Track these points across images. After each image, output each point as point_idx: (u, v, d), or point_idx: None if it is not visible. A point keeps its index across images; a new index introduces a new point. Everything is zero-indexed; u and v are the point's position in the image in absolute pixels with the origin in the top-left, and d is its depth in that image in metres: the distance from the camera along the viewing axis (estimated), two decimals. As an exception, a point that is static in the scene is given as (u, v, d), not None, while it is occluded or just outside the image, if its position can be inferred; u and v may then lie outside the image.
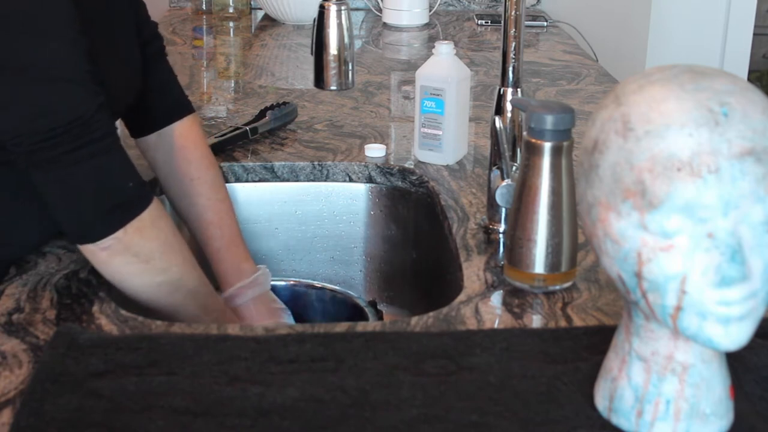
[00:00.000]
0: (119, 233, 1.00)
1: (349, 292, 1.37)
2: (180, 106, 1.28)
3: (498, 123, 1.20)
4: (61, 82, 0.97)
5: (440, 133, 1.45)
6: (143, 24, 1.23)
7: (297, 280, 1.41)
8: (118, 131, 1.05)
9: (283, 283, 1.37)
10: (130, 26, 1.18)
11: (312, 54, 1.33)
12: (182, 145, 1.26)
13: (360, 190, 1.51)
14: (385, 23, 2.62)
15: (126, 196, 1.02)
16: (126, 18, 1.17)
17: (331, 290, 1.37)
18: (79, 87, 0.98)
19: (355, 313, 1.29)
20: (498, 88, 1.23)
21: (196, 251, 1.32)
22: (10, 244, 1.12)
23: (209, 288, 1.14)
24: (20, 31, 0.94)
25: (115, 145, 1.01)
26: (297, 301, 1.36)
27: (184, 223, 1.30)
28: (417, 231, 1.47)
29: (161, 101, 1.26)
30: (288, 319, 1.29)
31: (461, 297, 1.06)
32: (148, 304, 1.07)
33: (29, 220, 1.10)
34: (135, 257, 1.02)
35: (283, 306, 1.30)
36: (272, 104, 1.66)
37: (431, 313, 1.01)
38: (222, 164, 1.45)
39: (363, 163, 1.51)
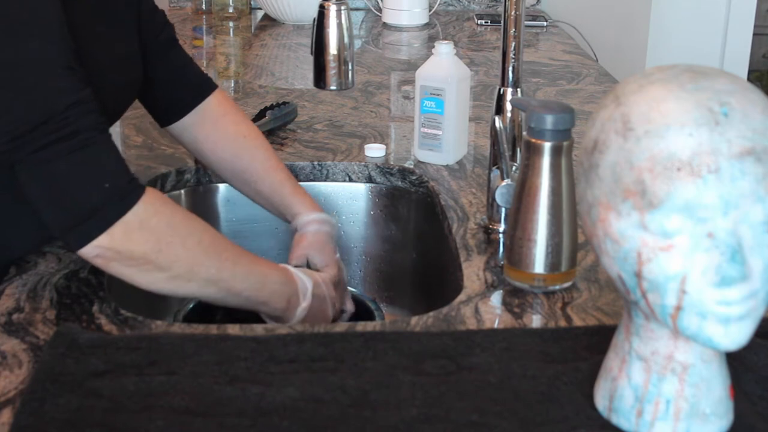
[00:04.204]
0: (103, 240, 0.94)
1: (355, 290, 1.36)
2: (205, 84, 1.31)
3: (498, 123, 1.20)
4: (30, 80, 0.94)
5: (440, 133, 1.45)
6: (151, 14, 1.24)
7: None
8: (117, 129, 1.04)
9: None
10: (129, 23, 1.17)
11: (312, 54, 1.33)
12: (225, 111, 1.30)
13: (360, 190, 1.51)
14: (385, 23, 2.62)
15: (101, 198, 0.94)
16: (125, 14, 1.16)
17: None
18: (47, 85, 0.94)
19: (362, 312, 1.28)
20: (498, 88, 1.23)
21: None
22: (12, 246, 1.12)
23: (233, 268, 1.04)
24: None
25: (91, 142, 0.95)
26: None
27: (242, 181, 1.31)
28: (417, 231, 1.47)
29: (185, 85, 1.29)
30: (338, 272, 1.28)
31: (461, 297, 1.06)
32: (168, 294, 1.04)
33: (31, 222, 1.09)
34: (131, 260, 0.97)
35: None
36: (272, 104, 1.66)
37: (431, 313, 1.01)
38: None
39: (363, 163, 1.50)
